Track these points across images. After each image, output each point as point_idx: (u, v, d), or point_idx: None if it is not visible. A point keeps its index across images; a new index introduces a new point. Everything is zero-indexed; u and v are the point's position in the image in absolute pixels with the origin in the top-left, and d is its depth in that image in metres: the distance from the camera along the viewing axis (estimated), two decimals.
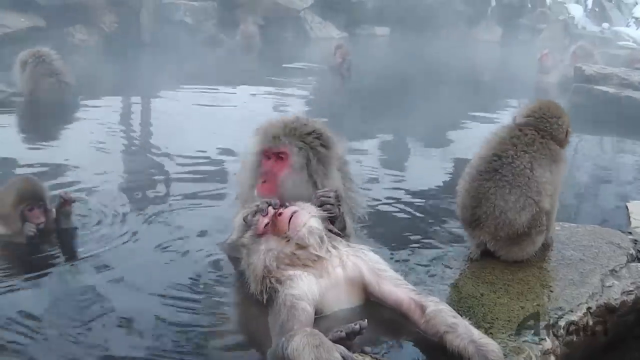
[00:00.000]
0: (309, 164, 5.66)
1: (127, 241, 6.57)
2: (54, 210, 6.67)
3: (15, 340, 4.66)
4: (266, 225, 5.00)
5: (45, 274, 5.82)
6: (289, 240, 4.79)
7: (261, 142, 5.73)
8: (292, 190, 5.59)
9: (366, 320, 3.88)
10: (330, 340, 3.72)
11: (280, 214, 4.93)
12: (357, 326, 3.82)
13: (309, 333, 3.70)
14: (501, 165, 5.47)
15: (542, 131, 5.69)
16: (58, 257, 6.30)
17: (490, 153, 5.57)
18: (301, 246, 4.74)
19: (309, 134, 5.72)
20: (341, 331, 3.82)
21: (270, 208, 5.03)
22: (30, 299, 5.36)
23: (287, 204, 5.14)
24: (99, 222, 7.02)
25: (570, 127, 5.94)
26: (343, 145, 6.07)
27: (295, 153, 5.64)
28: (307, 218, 4.87)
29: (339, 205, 5.33)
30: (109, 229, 6.85)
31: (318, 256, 4.70)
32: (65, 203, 6.62)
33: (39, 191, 6.59)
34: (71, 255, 6.40)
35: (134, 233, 6.75)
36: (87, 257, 6.19)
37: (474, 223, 5.56)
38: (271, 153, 5.69)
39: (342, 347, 3.64)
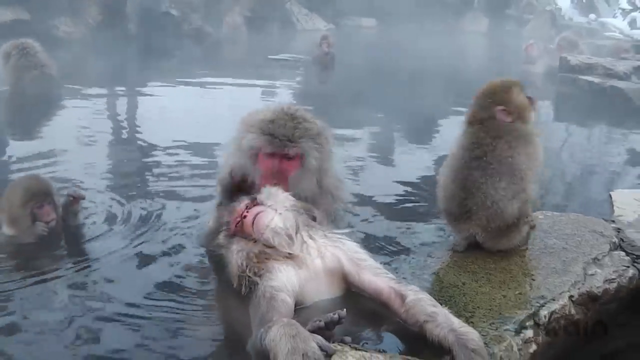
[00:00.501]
0: (318, 163, 5.65)
1: (126, 240, 6.44)
2: (60, 207, 6.50)
3: (17, 344, 4.61)
4: (237, 224, 4.99)
5: (54, 276, 5.62)
6: (256, 241, 4.79)
7: (267, 142, 5.56)
8: (300, 189, 5.57)
9: (345, 310, 3.85)
10: (308, 330, 3.70)
11: (245, 217, 4.92)
12: (336, 316, 3.80)
13: (285, 323, 3.68)
14: (484, 153, 5.39)
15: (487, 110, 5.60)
16: (67, 257, 6.16)
17: (470, 141, 5.51)
18: (269, 246, 4.73)
19: (319, 134, 5.69)
20: (320, 321, 3.79)
21: (241, 206, 5.02)
22: (38, 301, 5.22)
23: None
24: (88, 217, 6.91)
25: (523, 99, 5.68)
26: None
27: (310, 154, 5.60)
28: (270, 219, 4.83)
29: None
30: (101, 225, 6.76)
31: (289, 253, 4.68)
32: (74, 201, 6.46)
33: (47, 187, 6.38)
34: (80, 255, 6.13)
35: (127, 230, 6.68)
36: (92, 257, 6.05)
37: (464, 215, 5.46)
38: (281, 154, 5.61)
39: (319, 337, 3.61)
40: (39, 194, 6.25)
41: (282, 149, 5.56)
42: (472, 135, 5.54)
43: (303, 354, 3.45)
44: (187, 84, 16.02)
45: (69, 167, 8.76)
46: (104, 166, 9.00)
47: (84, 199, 6.58)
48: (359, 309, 4.49)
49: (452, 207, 5.55)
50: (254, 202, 5.05)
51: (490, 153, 5.38)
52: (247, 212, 4.95)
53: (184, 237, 6.45)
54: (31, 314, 4.99)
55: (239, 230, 4.98)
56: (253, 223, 4.85)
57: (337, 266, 4.70)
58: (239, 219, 4.99)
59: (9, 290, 5.32)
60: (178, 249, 6.21)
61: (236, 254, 4.79)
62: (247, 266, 4.66)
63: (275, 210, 4.90)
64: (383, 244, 6.28)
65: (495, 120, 5.53)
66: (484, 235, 5.44)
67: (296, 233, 4.79)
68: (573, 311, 4.72)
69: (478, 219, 5.39)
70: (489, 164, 5.36)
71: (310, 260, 4.68)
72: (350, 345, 3.74)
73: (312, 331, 3.72)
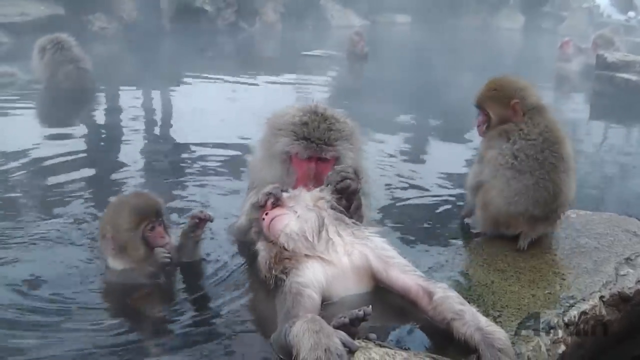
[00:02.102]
0: (353, 162, 5.57)
1: None
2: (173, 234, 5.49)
3: None
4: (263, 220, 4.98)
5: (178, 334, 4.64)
6: (275, 243, 4.79)
7: (303, 147, 5.48)
8: None
9: (371, 306, 3.81)
10: (333, 326, 3.67)
11: (263, 219, 4.90)
12: (361, 312, 3.76)
13: (309, 319, 3.66)
14: (559, 150, 5.51)
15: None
16: (188, 304, 5.06)
17: (546, 140, 5.53)
18: (286, 249, 4.73)
19: (351, 133, 5.64)
20: (344, 317, 3.76)
21: (269, 202, 4.97)
22: None
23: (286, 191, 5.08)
24: None
25: None
26: None
27: (346, 156, 5.54)
28: (284, 224, 4.80)
29: (359, 179, 5.22)
30: None
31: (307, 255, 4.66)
32: (199, 223, 5.41)
33: (157, 204, 5.32)
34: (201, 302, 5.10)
35: None
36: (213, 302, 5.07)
37: (545, 216, 5.50)
38: (317, 157, 5.54)
39: (342, 333, 3.58)
40: (150, 212, 5.21)
41: (319, 153, 5.50)
42: (547, 132, 5.58)
43: (325, 349, 3.42)
44: (220, 79, 16.08)
45: (102, 162, 8.81)
46: (136, 161, 9.03)
47: (211, 221, 5.50)
48: (386, 306, 4.47)
49: (535, 210, 5.46)
50: (277, 202, 5.01)
51: (564, 150, 5.53)
52: (266, 215, 4.92)
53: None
54: None
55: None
56: (269, 227, 4.84)
57: (365, 264, 4.67)
58: (262, 218, 4.98)
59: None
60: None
61: (261, 252, 4.84)
62: (270, 265, 4.68)
63: (294, 213, 4.86)
64: (411, 241, 6.22)
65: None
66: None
67: (319, 232, 4.75)
68: (604, 312, 4.63)
69: (557, 217, 5.56)
70: (564, 161, 5.50)
71: (338, 258, 4.65)
72: (374, 342, 3.71)
73: (337, 327, 3.69)
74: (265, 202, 4.98)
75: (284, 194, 5.04)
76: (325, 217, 4.87)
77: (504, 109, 5.69)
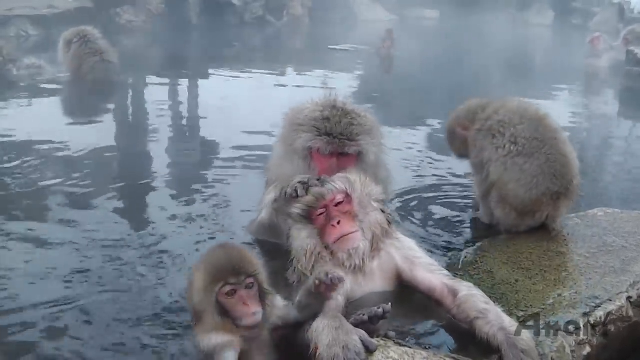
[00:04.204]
0: (375, 157, 5.53)
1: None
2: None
3: None
4: (320, 214, 4.72)
5: None
6: (328, 247, 4.59)
7: (326, 143, 5.35)
8: None
9: (390, 304, 3.76)
10: (352, 323, 3.64)
11: (338, 223, 4.59)
12: (381, 310, 3.71)
13: (330, 316, 3.63)
14: (549, 123, 5.85)
15: None
16: None
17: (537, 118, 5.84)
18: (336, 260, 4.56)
19: (372, 127, 5.54)
20: (364, 315, 3.72)
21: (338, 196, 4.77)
22: None
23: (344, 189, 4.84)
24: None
25: None
26: None
27: (369, 150, 5.44)
28: (356, 246, 4.55)
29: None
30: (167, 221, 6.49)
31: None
32: (326, 289, 3.82)
33: (241, 260, 3.88)
34: None
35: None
36: None
37: (565, 190, 5.66)
38: (339, 152, 5.42)
39: (362, 331, 3.54)
40: (227, 271, 3.80)
41: (341, 149, 5.40)
42: (523, 111, 5.91)
43: (344, 347, 3.39)
44: (247, 73, 16.05)
45: (127, 154, 8.82)
46: (161, 153, 9.04)
47: (343, 282, 3.89)
48: (408, 305, 4.44)
49: (555, 186, 5.63)
50: (347, 205, 4.72)
51: (552, 123, 5.88)
52: (337, 223, 4.59)
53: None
54: None
55: (320, 223, 4.70)
56: (339, 239, 4.57)
57: (391, 265, 4.62)
58: (323, 212, 4.71)
59: None
60: None
61: (302, 242, 4.63)
62: (308, 263, 4.56)
63: (362, 232, 4.62)
64: (435, 239, 6.16)
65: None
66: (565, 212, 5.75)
67: (371, 254, 4.62)
68: (631, 313, 4.52)
69: (573, 190, 5.68)
70: (557, 132, 5.83)
71: (367, 263, 4.58)
72: (394, 341, 3.65)
73: (356, 325, 3.65)
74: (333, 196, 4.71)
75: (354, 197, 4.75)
76: (379, 232, 4.70)
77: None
